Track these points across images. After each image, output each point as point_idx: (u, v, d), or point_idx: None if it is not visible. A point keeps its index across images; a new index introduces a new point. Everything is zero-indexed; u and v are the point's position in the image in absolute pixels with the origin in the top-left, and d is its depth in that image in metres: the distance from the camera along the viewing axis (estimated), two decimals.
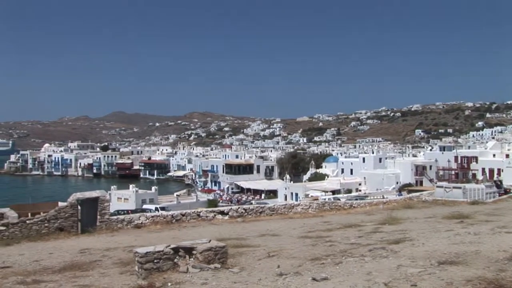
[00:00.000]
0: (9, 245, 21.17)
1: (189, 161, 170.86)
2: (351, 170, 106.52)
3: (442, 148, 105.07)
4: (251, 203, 72.75)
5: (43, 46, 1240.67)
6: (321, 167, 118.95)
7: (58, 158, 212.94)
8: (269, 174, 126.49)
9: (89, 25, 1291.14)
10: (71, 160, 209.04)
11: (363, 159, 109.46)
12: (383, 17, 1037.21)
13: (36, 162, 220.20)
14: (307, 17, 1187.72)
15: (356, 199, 53.04)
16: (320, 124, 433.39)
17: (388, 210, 31.29)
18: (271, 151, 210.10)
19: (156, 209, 58.09)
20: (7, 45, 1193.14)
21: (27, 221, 23.65)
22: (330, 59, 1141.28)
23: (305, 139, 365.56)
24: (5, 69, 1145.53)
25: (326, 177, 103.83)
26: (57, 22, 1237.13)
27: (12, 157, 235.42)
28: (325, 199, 59.76)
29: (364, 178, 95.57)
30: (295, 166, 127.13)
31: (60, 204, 29.67)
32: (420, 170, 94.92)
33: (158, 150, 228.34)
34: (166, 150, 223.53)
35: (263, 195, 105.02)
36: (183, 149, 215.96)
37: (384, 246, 14.08)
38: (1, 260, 16.87)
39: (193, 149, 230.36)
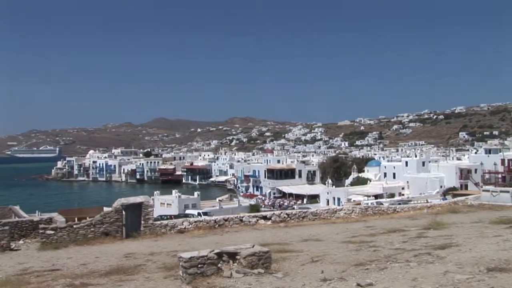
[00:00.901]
0: (58, 249, 21.68)
1: (231, 166, 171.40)
2: (394, 174, 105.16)
3: (488, 151, 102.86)
4: (293, 208, 72.59)
5: (88, 56, 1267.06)
6: (363, 171, 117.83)
7: (102, 164, 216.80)
8: (311, 178, 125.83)
9: (132, 35, 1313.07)
10: (115, 166, 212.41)
11: (406, 163, 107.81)
12: (423, 17, 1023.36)
13: (82, 168, 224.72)
14: (351, 21, 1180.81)
15: (399, 204, 52.29)
16: (362, 128, 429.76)
17: (432, 214, 30.69)
18: (312, 155, 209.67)
19: (199, 214, 58.52)
20: (53, 56, 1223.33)
21: (74, 226, 24.15)
22: (371, 61, 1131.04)
23: (346, 143, 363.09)
24: (51, 79, 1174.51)
25: (369, 181, 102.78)
26: (99, 32, 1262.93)
27: (59, 163, 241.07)
28: (367, 203, 59.14)
29: (407, 182, 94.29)
30: (337, 171, 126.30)
31: (105, 209, 30.14)
32: (465, 173, 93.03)
33: (200, 155, 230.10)
34: (208, 155, 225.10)
35: (305, 200, 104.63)
36: (225, 154, 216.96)
37: (429, 251, 13.81)
38: (50, 263, 17.31)
39: (235, 154, 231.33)
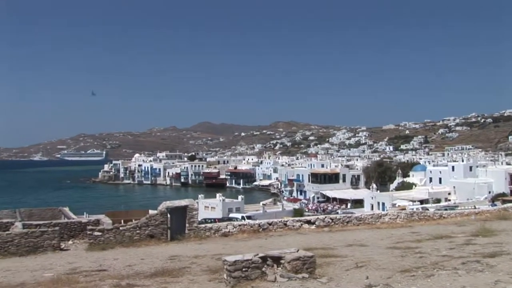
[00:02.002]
0: (105, 250, 22.12)
1: (275, 170, 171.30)
2: (440, 179, 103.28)
3: None
4: (337, 213, 72.10)
5: (133, 61, 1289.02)
6: (408, 176, 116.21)
7: (147, 167, 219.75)
8: (355, 183, 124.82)
9: (179, 40, 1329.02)
10: (160, 169, 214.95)
11: (453, 167, 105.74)
12: (467, 17, 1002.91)
13: (127, 171, 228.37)
14: (402, 25, 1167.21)
15: (446, 209, 51.26)
16: (407, 132, 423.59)
17: (480, 221, 29.92)
18: (357, 160, 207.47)
19: (243, 218, 58.62)
20: (99, 62, 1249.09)
21: (120, 228, 24.57)
22: (415, 65, 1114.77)
23: (391, 148, 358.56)
24: (97, 85, 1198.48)
25: (414, 186, 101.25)
26: (146, 38, 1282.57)
27: (106, 167, 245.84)
28: (413, 208, 58.18)
29: (454, 187, 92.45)
30: (381, 175, 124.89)
31: (151, 212, 30.56)
32: None
33: (244, 159, 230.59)
34: (252, 159, 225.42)
35: (349, 205, 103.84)
36: (269, 158, 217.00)
37: (478, 259, 13.48)
38: (98, 263, 17.66)
39: (279, 158, 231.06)
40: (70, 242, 26.18)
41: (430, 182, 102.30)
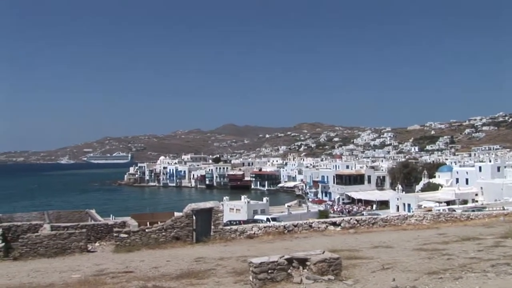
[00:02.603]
0: (131, 252, 22.31)
1: (300, 172, 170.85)
2: (467, 179, 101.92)
3: None
4: (363, 214, 71.68)
5: (158, 65, 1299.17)
6: (434, 176, 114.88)
7: (172, 170, 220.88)
8: (380, 184, 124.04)
9: (202, 44, 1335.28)
10: (184, 171, 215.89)
11: (480, 168, 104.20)
12: (492, 16, 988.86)
13: (153, 174, 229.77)
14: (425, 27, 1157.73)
15: (473, 211, 50.58)
16: (432, 132, 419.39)
17: (509, 222, 29.50)
18: (382, 161, 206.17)
19: (268, 219, 58.63)
20: (123, 67, 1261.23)
21: (146, 230, 24.76)
22: (440, 64, 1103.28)
23: (416, 148, 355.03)
24: (123, 88, 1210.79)
25: (440, 187, 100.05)
26: (169, 42, 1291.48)
27: (131, 169, 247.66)
28: (439, 210, 57.59)
29: (481, 188, 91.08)
30: (407, 176, 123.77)
31: (176, 214, 30.71)
32: None
33: (268, 161, 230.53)
34: (277, 161, 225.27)
35: (374, 206, 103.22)
36: (293, 160, 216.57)
37: (508, 262, 13.23)
38: (124, 265, 17.81)
39: (303, 160, 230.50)
40: (97, 244, 26.45)
41: (456, 183, 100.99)
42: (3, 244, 23.30)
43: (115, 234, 24.75)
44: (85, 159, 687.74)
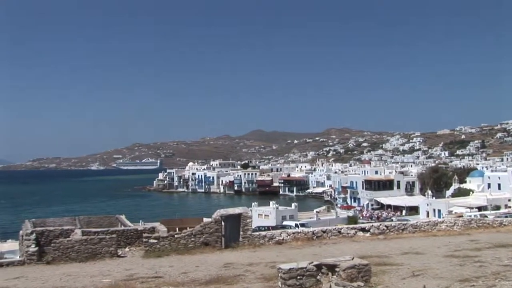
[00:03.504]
0: (160, 257, 22.47)
1: (328, 178, 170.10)
2: (499, 185, 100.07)
3: None
4: (392, 220, 71.02)
5: (185, 72, 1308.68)
6: (465, 182, 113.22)
7: (201, 176, 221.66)
8: (409, 190, 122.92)
9: (228, 51, 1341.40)
10: (213, 177, 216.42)
11: None
12: None
13: (181, 180, 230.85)
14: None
15: (506, 216, 49.73)
16: (463, 136, 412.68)
17: None
18: (411, 166, 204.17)
19: (296, 225, 58.50)
20: (152, 74, 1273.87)
21: (175, 235, 24.91)
22: (470, 67, 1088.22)
23: (446, 153, 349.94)
24: (151, 95, 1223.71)
25: (471, 192, 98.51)
26: (197, 48, 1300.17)
27: (160, 175, 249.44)
28: (470, 215, 56.73)
29: None
30: (437, 182, 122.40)
31: (205, 220, 30.82)
32: None
33: (297, 167, 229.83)
34: (305, 166, 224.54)
35: (404, 212, 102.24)
36: (322, 165, 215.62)
37: None
38: (154, 270, 17.96)
39: (332, 165, 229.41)
40: (127, 249, 26.71)
41: (488, 188, 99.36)
42: (36, 248, 23.79)
43: (144, 240, 24.97)
44: (115, 165, 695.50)
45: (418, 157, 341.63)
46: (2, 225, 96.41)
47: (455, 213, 73.99)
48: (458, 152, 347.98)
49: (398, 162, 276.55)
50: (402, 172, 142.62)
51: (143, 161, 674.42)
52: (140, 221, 60.61)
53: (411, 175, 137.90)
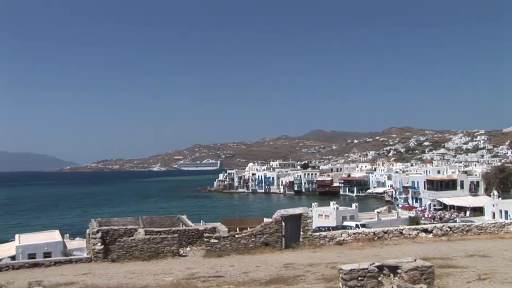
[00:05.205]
0: (221, 257, 22.72)
1: (389, 178, 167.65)
2: None
3: None
4: (455, 221, 69.28)
5: (244, 75, 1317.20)
6: None
7: (261, 176, 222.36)
8: (473, 190, 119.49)
9: (292, 52, 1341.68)
10: (273, 178, 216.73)
11: None
12: None
13: (241, 181, 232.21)
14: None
15: None
16: None
17: None
18: (475, 165, 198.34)
19: (357, 226, 57.94)
20: (209, 76, 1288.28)
21: (236, 235, 25.13)
22: None
23: None
24: (211, 98, 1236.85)
25: None
26: (256, 52, 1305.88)
27: (220, 176, 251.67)
28: None
29: None
30: (503, 181, 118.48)
31: (265, 220, 30.94)
32: None
33: (357, 167, 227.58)
34: (365, 166, 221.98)
35: (467, 213, 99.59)
36: (382, 165, 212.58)
37: None
38: (215, 270, 18.18)
39: (393, 165, 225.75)
40: (188, 248, 27.13)
41: None
42: (102, 246, 24.57)
43: (205, 239, 25.30)
44: (176, 166, 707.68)
45: (482, 156, 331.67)
46: (70, 224, 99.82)
47: None
48: None
49: (461, 161, 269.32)
50: (465, 172, 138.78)
51: (203, 162, 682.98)
52: (201, 221, 61.35)
53: (475, 175, 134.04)
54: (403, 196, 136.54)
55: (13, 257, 40.51)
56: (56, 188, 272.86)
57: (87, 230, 31.78)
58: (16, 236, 49.44)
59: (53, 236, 48.93)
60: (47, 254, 40.53)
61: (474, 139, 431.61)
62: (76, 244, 49.99)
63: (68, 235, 58.59)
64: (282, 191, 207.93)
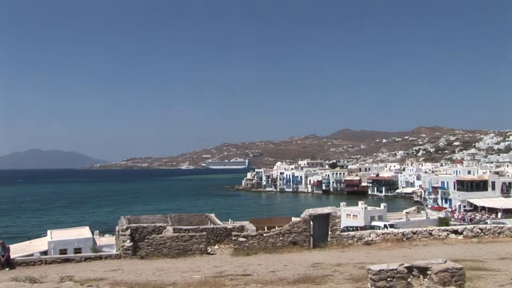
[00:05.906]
0: (249, 255, 22.77)
1: (418, 178, 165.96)
2: None
3: None
4: (486, 223, 68.27)
5: (272, 72, 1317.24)
6: None
7: (289, 175, 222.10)
8: (505, 191, 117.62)
9: (321, 51, 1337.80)
10: (301, 177, 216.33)
11: None
12: None
13: (269, 179, 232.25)
14: None
15: None
16: None
17: None
18: (507, 166, 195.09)
19: (385, 226, 57.46)
20: (240, 76, 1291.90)
21: (264, 234, 25.17)
22: None
23: None
24: (239, 96, 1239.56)
25: None
26: (284, 53, 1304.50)
27: (248, 175, 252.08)
28: None
29: None
30: None
31: (293, 219, 30.91)
32: None
33: (385, 166, 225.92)
34: (394, 166, 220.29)
35: (499, 214, 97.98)
36: (411, 165, 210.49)
37: None
38: (242, 268, 18.22)
39: (422, 165, 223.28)
40: (216, 246, 27.28)
41: None
42: (131, 243, 24.84)
43: (233, 238, 25.38)
44: (204, 164, 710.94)
45: None
46: (99, 221, 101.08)
47: None
48: None
49: (492, 162, 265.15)
50: (497, 172, 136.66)
51: (231, 160, 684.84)
52: (229, 219, 61.50)
53: (508, 176, 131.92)
54: (432, 196, 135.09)
55: (45, 252, 41.25)
56: (87, 186, 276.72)
57: (117, 227, 32.17)
58: (48, 232, 50.46)
59: (83, 232, 49.74)
60: (77, 250, 41.29)
61: (506, 139, 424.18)
62: (105, 240, 50.68)
63: (97, 231, 59.34)
64: (310, 190, 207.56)
